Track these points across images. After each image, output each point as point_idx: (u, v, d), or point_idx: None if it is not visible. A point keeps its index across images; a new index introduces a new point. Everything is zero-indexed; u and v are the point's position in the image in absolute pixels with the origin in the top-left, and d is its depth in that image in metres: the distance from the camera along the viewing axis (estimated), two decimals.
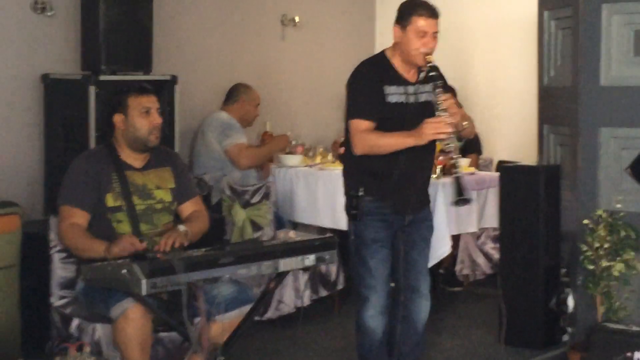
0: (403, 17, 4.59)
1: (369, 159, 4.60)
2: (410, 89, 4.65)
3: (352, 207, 4.66)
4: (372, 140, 4.55)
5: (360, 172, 4.67)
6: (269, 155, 6.81)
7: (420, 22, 4.53)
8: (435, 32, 4.57)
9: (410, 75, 4.68)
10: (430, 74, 4.55)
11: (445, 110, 4.48)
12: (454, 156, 4.61)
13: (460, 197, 4.53)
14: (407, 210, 4.70)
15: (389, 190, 4.65)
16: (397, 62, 4.67)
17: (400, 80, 4.64)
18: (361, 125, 4.56)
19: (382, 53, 4.74)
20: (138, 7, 5.95)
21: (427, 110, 4.61)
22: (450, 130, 4.45)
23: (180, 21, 6.89)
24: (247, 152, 6.56)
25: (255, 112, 6.92)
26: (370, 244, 4.67)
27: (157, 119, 4.61)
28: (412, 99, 4.65)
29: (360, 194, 4.63)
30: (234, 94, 6.86)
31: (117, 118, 4.60)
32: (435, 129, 4.44)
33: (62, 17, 6.02)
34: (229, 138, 6.53)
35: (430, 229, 4.89)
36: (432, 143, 4.68)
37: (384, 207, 4.66)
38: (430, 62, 4.55)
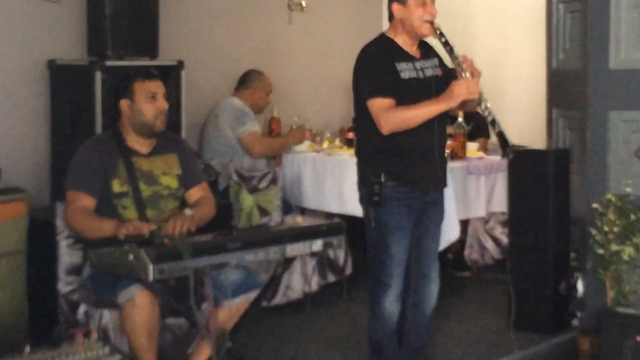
0: None
1: (386, 140, 4.56)
2: (417, 64, 4.67)
3: (375, 194, 4.60)
4: (400, 115, 4.50)
5: (378, 156, 4.63)
6: (284, 148, 6.79)
7: None
8: (433, 1, 4.61)
9: (414, 51, 4.70)
10: (443, 39, 4.56)
11: (467, 71, 4.50)
12: (490, 112, 4.57)
13: (511, 147, 4.56)
14: (430, 187, 4.69)
15: (410, 169, 4.62)
16: (400, 40, 4.68)
17: (407, 57, 4.66)
18: (384, 103, 4.51)
19: (383, 34, 4.75)
20: None
21: (436, 84, 4.63)
22: (480, 89, 4.47)
23: (187, 6, 6.87)
24: (262, 142, 6.57)
25: (267, 99, 6.91)
26: (394, 231, 4.64)
27: (163, 104, 4.61)
28: (421, 75, 4.65)
29: (383, 179, 4.59)
30: (247, 80, 6.84)
31: (124, 103, 4.60)
32: (467, 88, 4.44)
33: (68, 3, 6.00)
34: (243, 126, 6.52)
35: (441, 212, 4.88)
36: (444, 122, 4.74)
37: (407, 191, 4.63)
38: (438, 29, 4.57)
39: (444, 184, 4.84)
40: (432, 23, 4.57)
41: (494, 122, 4.57)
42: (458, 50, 4.56)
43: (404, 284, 4.75)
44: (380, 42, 4.71)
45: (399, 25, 4.66)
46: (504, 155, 4.62)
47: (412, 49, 4.68)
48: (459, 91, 4.44)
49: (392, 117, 4.49)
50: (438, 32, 4.57)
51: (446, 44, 4.55)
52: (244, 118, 6.56)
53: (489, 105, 4.55)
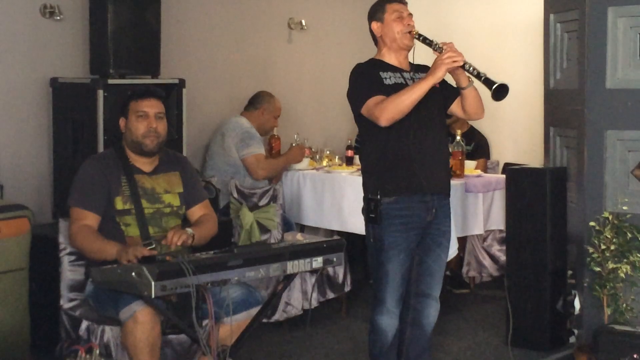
0: (377, 12, 4.77)
1: (382, 154, 4.61)
2: (406, 74, 4.72)
3: (371, 211, 4.65)
4: (392, 100, 4.49)
5: (376, 169, 4.67)
6: (285, 167, 6.83)
7: (394, 7, 4.72)
8: (410, 15, 4.73)
9: (403, 65, 4.76)
10: (422, 39, 4.63)
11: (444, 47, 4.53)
12: (475, 68, 4.47)
13: (497, 85, 4.40)
14: (426, 187, 4.64)
15: (402, 174, 4.62)
16: (387, 58, 4.77)
17: (394, 69, 4.73)
18: (375, 100, 4.55)
19: (372, 58, 4.85)
20: (146, 11, 5.97)
21: (427, 94, 4.55)
22: (462, 56, 4.47)
23: (188, 25, 6.92)
24: (264, 164, 6.59)
25: (273, 122, 6.95)
26: (387, 249, 4.66)
27: (153, 123, 4.66)
28: (410, 82, 4.68)
29: (378, 196, 4.63)
30: (256, 101, 6.89)
31: (121, 122, 4.71)
32: (448, 57, 4.46)
33: (70, 21, 6.04)
34: (248, 147, 6.56)
35: (445, 234, 4.80)
36: (442, 125, 4.73)
37: (403, 209, 4.65)
38: (416, 32, 4.65)
39: (442, 189, 4.75)
40: (411, 32, 4.66)
41: (479, 75, 4.47)
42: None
43: (402, 302, 4.77)
44: (368, 61, 4.82)
45: (382, 44, 4.79)
46: (493, 95, 4.42)
47: (400, 63, 4.75)
48: (441, 60, 4.46)
49: (386, 105, 4.49)
50: (417, 35, 4.65)
51: (425, 40, 4.62)
52: (250, 140, 6.59)
53: (473, 64, 4.50)
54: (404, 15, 4.71)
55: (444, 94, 4.74)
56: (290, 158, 6.83)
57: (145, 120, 4.64)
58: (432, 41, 4.60)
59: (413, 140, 4.62)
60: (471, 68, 4.49)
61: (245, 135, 6.60)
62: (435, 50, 4.58)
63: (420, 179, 4.64)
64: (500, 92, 4.41)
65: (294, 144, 7.12)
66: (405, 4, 4.79)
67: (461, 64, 4.48)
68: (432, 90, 4.58)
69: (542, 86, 6.24)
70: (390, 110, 4.48)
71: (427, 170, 4.66)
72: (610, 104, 5.51)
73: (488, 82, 4.43)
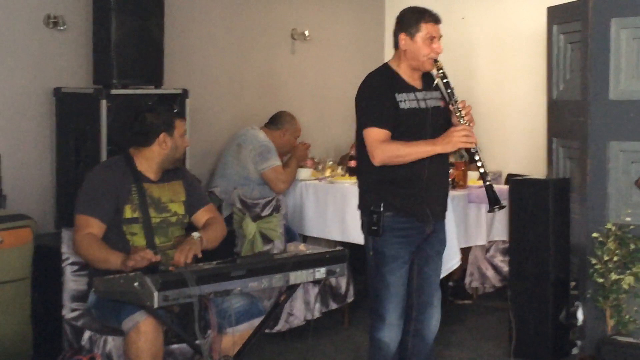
0: (410, 25, 4.61)
1: (389, 169, 4.56)
2: (419, 94, 4.66)
3: (373, 223, 4.61)
4: (393, 150, 4.51)
5: (380, 185, 4.62)
6: (297, 169, 6.82)
7: (429, 28, 4.60)
8: (441, 37, 4.65)
9: (415, 81, 4.69)
10: (444, 80, 4.59)
11: (465, 118, 4.54)
12: (482, 164, 4.56)
13: (497, 205, 4.57)
14: (430, 219, 4.69)
15: (411, 200, 4.62)
16: (402, 71, 4.67)
17: (408, 87, 4.65)
18: (379, 134, 4.52)
19: (386, 64, 4.75)
20: (149, 22, 5.97)
21: (438, 115, 4.64)
22: (475, 139, 4.50)
23: (191, 35, 6.92)
24: (283, 176, 6.56)
25: (293, 143, 6.92)
26: (390, 262, 4.65)
27: (187, 142, 4.86)
28: (422, 105, 4.65)
29: (381, 209, 4.59)
30: (278, 121, 6.86)
31: (163, 136, 4.67)
32: (466, 137, 4.48)
33: (73, 32, 6.04)
34: (267, 161, 6.54)
35: (442, 242, 4.86)
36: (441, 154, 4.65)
37: (405, 222, 4.64)
38: (441, 68, 4.60)
39: (443, 216, 4.83)
40: (435, 61, 4.61)
41: (485, 175, 4.56)
42: (457, 94, 4.60)
43: (404, 315, 4.74)
44: (382, 73, 4.71)
45: (402, 56, 4.66)
46: (490, 210, 4.63)
47: (413, 79, 4.68)
48: (459, 138, 4.48)
49: (385, 151, 4.51)
50: (441, 71, 4.60)
51: (447, 85, 4.59)
52: (268, 154, 6.56)
53: (482, 157, 4.57)
54: (436, 39, 4.62)
55: (449, 115, 4.71)
56: (298, 157, 6.81)
57: (185, 139, 4.79)
58: (452, 90, 4.57)
59: (428, 164, 4.61)
60: (478, 157, 4.52)
61: (264, 149, 6.58)
62: (450, 100, 4.57)
63: (426, 210, 4.66)
64: (493, 206, 4.56)
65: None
66: (440, 23, 4.66)
67: (473, 146, 4.50)
68: (440, 111, 4.66)
69: (545, 97, 6.25)
70: (389, 157, 4.52)
71: (433, 198, 4.69)
72: (613, 115, 5.51)
73: (491, 191, 4.54)
